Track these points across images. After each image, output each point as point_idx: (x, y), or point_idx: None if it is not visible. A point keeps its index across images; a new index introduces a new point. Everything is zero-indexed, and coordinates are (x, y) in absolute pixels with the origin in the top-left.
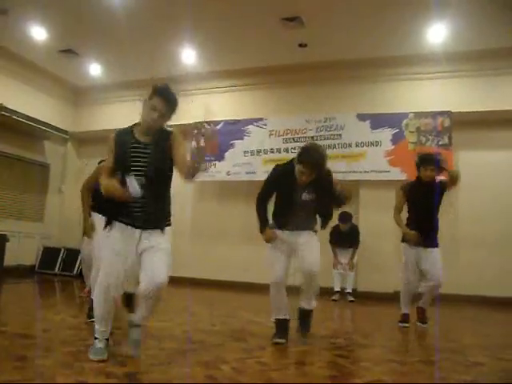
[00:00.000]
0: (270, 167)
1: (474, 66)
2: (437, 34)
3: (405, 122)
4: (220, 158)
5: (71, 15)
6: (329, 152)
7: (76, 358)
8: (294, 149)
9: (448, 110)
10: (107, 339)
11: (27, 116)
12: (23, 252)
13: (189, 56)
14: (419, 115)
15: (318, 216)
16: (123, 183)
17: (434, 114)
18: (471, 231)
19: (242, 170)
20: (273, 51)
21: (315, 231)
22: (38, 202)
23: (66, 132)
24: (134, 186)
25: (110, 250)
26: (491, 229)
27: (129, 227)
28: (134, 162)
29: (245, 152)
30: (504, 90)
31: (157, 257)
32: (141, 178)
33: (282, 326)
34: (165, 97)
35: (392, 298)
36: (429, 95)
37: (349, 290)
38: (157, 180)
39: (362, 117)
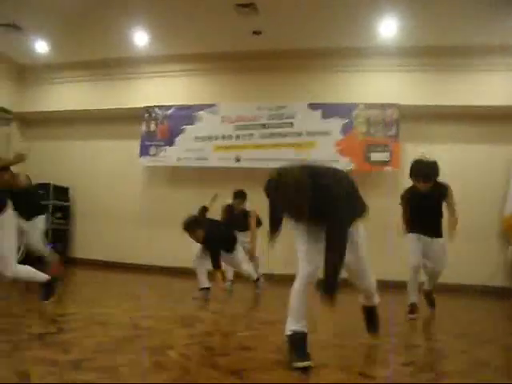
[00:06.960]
0: (222, 154)
1: (423, 61)
2: (388, 28)
3: (355, 112)
4: (170, 142)
5: None
6: (279, 141)
7: (16, 347)
8: (246, 136)
9: (396, 102)
10: None
11: None
12: None
13: (141, 38)
14: (369, 106)
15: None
16: None
17: (383, 106)
18: None
19: (192, 156)
20: (226, 37)
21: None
22: None
23: (9, 112)
24: None
25: None
26: None
27: None
28: None
29: (196, 138)
30: (450, 86)
31: None
32: None
33: None
34: None
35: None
36: (379, 87)
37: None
38: None
39: (313, 106)
